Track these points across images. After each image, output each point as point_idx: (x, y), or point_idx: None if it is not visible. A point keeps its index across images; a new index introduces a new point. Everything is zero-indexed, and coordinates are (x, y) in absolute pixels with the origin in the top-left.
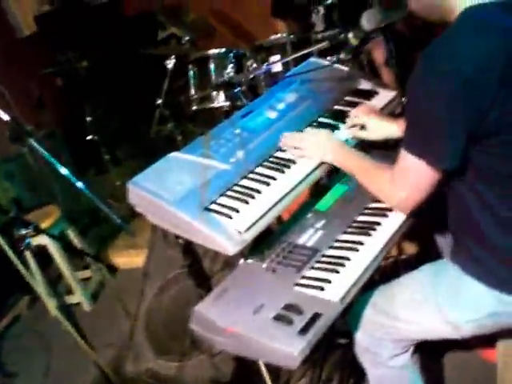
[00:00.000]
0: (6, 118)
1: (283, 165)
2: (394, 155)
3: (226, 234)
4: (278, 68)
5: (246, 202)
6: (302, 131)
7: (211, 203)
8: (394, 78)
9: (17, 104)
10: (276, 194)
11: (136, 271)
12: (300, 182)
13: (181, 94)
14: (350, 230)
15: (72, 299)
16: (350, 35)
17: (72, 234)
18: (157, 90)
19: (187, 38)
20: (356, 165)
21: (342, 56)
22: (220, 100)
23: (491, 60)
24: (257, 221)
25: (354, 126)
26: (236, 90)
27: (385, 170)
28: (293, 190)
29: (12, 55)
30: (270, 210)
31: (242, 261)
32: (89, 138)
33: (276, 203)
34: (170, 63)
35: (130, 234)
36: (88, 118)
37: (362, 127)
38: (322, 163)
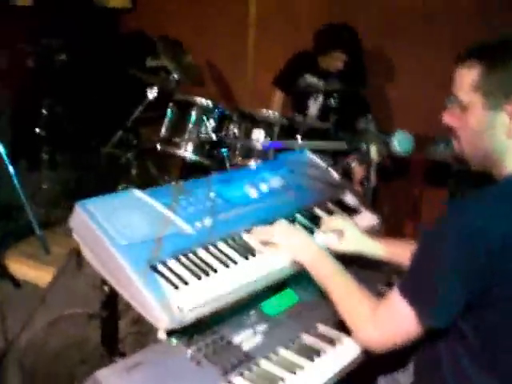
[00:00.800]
0: None
1: (249, 250)
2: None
3: (165, 305)
4: (257, 146)
5: (199, 277)
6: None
7: (160, 263)
8: (360, 199)
9: None
10: (233, 279)
11: (31, 287)
12: (263, 276)
13: (149, 128)
14: (292, 346)
15: None
16: (374, 149)
17: None
18: (126, 112)
19: (175, 77)
20: (332, 275)
21: (353, 164)
22: (188, 150)
23: None
24: (204, 303)
25: (328, 230)
26: (220, 150)
27: (367, 297)
28: (253, 281)
29: None
30: (222, 295)
31: (164, 336)
32: (37, 130)
33: (231, 290)
34: (152, 93)
35: (44, 247)
36: (43, 111)
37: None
38: (293, 262)
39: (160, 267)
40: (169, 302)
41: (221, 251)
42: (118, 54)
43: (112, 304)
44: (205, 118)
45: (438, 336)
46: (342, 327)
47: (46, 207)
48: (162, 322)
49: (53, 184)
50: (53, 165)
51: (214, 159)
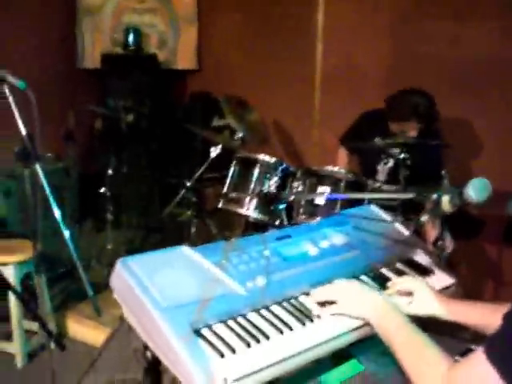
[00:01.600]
0: (23, 131)
1: (307, 315)
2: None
3: (207, 374)
4: (321, 201)
5: (248, 345)
6: None
7: (205, 326)
8: (433, 258)
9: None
10: (288, 348)
11: (85, 347)
12: (321, 344)
13: (212, 188)
14: None
15: (8, 347)
16: (446, 198)
17: (37, 279)
18: (190, 172)
19: (241, 135)
20: (400, 329)
21: (422, 218)
22: (250, 208)
23: None
24: (253, 373)
25: (395, 293)
26: (281, 206)
27: (441, 356)
28: (310, 350)
29: (65, 80)
30: (273, 365)
31: None
32: (102, 190)
33: (284, 360)
34: (215, 151)
35: (95, 308)
36: (109, 171)
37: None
38: (357, 328)
39: (205, 332)
40: (212, 372)
41: (275, 315)
42: (184, 115)
43: (156, 372)
44: (268, 175)
45: None
46: None
47: (110, 267)
48: None
49: (117, 244)
50: (117, 225)
51: (277, 217)
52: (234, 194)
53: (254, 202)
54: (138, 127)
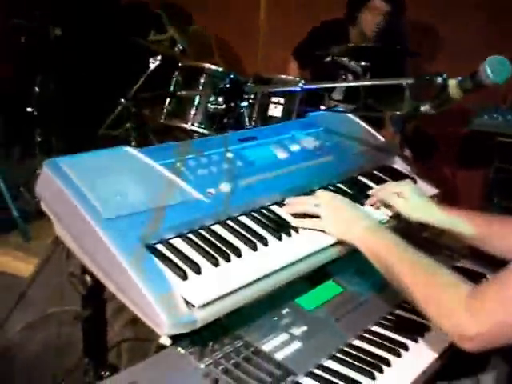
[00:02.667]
0: None
1: (282, 227)
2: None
3: (167, 300)
4: (277, 113)
5: (215, 263)
6: (313, 190)
7: (160, 241)
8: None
9: None
10: (263, 265)
11: (14, 280)
12: (301, 260)
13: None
14: (342, 356)
15: None
16: (453, 83)
17: None
18: (126, 87)
19: (181, 47)
20: (402, 254)
21: (424, 109)
22: (195, 122)
23: None
24: (223, 297)
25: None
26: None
27: (459, 277)
28: (288, 267)
29: None
30: (247, 286)
31: (168, 343)
32: (29, 109)
33: (259, 280)
34: (155, 63)
35: (24, 236)
36: (36, 89)
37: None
38: (339, 242)
39: (160, 247)
40: (173, 297)
41: (245, 227)
42: (117, 28)
43: (97, 300)
44: (216, 84)
45: None
46: (405, 329)
47: None
48: (163, 325)
49: None
50: (47, 148)
51: (225, 131)
52: (177, 109)
53: (199, 116)
54: (67, 42)
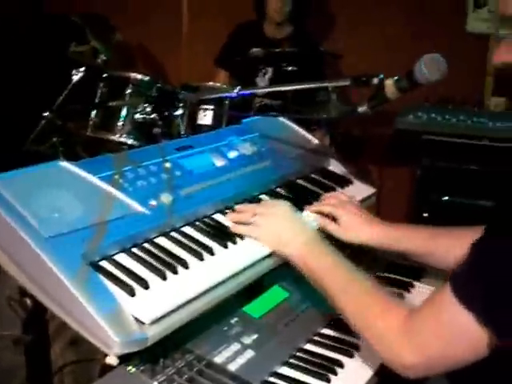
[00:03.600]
0: None
1: (226, 235)
2: None
3: (116, 319)
4: (206, 120)
5: (163, 277)
6: (254, 196)
7: (104, 258)
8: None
9: None
10: (212, 275)
11: None
12: (249, 267)
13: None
14: (295, 362)
15: None
16: (389, 82)
17: None
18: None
19: (105, 58)
20: (340, 275)
21: (360, 108)
22: (123, 134)
23: None
24: (174, 311)
25: (321, 213)
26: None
27: (395, 301)
28: (237, 275)
29: None
30: (197, 298)
31: (115, 363)
32: None
33: (209, 290)
34: (78, 74)
35: None
36: None
37: (333, 220)
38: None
39: (104, 264)
40: (122, 315)
41: (190, 238)
42: (37, 40)
43: (39, 324)
44: (142, 95)
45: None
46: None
47: None
48: (114, 345)
49: None
50: None
51: (155, 142)
52: (103, 120)
53: (127, 127)
54: None
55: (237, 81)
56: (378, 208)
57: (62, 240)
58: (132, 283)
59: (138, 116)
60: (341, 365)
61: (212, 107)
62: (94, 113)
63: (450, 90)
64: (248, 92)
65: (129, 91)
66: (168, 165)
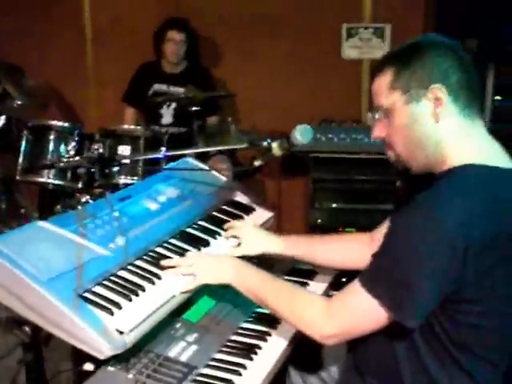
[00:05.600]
0: None
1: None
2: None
3: (104, 332)
4: (126, 160)
5: (129, 299)
6: (183, 230)
7: (86, 291)
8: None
9: None
10: (162, 293)
11: None
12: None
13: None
14: (226, 349)
15: None
16: (275, 145)
17: None
18: None
19: (20, 102)
20: (269, 287)
21: (256, 163)
22: (51, 175)
23: (496, 237)
24: (142, 321)
25: (232, 237)
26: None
27: (314, 294)
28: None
29: None
30: (156, 310)
31: (92, 368)
32: None
33: (163, 304)
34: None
35: None
36: None
37: (238, 244)
38: None
39: (89, 295)
40: (108, 329)
41: (141, 269)
42: None
43: (37, 345)
44: (64, 140)
45: (394, 332)
46: (266, 321)
47: None
48: (106, 350)
49: None
50: None
51: (79, 181)
52: (31, 165)
53: (53, 170)
54: None
55: (143, 114)
56: (279, 217)
57: (57, 281)
58: (110, 306)
59: (63, 160)
60: (259, 347)
61: (129, 148)
62: (21, 159)
63: (333, 109)
64: (172, 153)
65: (52, 137)
66: (116, 214)
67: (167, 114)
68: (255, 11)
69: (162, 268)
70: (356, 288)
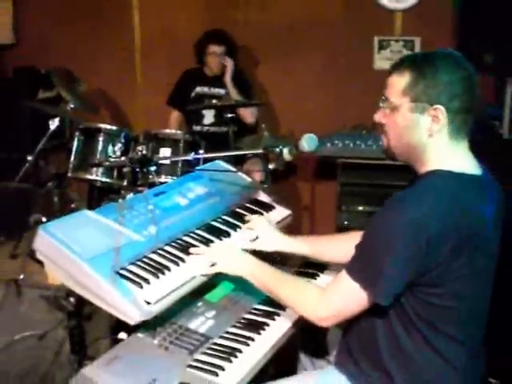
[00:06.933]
0: None
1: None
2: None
3: (134, 301)
4: (166, 161)
5: (157, 276)
6: (208, 223)
7: (122, 269)
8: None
9: None
10: (185, 274)
11: None
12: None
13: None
14: (239, 324)
15: None
16: (285, 151)
17: None
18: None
19: (73, 106)
20: (276, 279)
21: (272, 166)
22: (99, 174)
23: (455, 231)
24: (166, 295)
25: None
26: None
27: (312, 284)
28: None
29: None
30: (178, 288)
31: (125, 337)
32: None
33: (185, 283)
34: (54, 124)
35: None
36: None
37: (255, 239)
38: None
39: (123, 272)
40: (138, 299)
41: (169, 253)
42: (8, 90)
43: (80, 314)
44: (112, 142)
45: (375, 315)
46: (276, 304)
47: None
48: (136, 316)
49: None
50: None
51: (124, 179)
52: (81, 163)
53: (101, 168)
54: None
55: (186, 115)
56: (312, 218)
57: (98, 259)
58: (140, 281)
59: (110, 159)
60: (267, 324)
61: (169, 150)
62: (72, 157)
63: (364, 117)
64: (200, 156)
65: (101, 139)
66: (151, 207)
67: (209, 115)
68: (292, 23)
69: (188, 253)
70: (343, 275)
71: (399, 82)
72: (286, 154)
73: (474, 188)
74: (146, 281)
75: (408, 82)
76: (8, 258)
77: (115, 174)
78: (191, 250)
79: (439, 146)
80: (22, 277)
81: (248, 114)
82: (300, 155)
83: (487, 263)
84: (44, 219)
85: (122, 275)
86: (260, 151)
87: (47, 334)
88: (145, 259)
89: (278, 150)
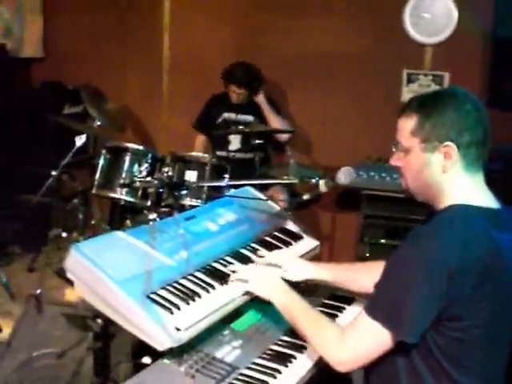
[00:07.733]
0: None
1: (222, 277)
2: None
3: (164, 327)
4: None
5: (187, 303)
6: (238, 251)
7: (152, 293)
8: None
9: None
10: (214, 301)
11: None
12: (236, 298)
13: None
14: (266, 356)
15: None
16: (321, 182)
17: None
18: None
19: (99, 123)
20: (301, 311)
21: (304, 197)
22: (123, 193)
23: (475, 263)
24: (196, 322)
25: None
26: (183, 192)
27: (334, 324)
28: (230, 302)
29: None
30: (208, 315)
31: (149, 362)
32: None
33: (214, 311)
34: (80, 140)
35: (9, 293)
36: None
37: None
38: None
39: (154, 297)
40: (168, 325)
41: (200, 279)
42: (34, 104)
43: (106, 336)
44: (138, 162)
45: (396, 351)
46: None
47: None
48: (165, 342)
49: None
50: None
51: (148, 200)
52: (106, 181)
53: (126, 187)
54: None
55: (212, 140)
56: (331, 247)
57: (129, 282)
58: (171, 307)
59: (135, 179)
60: (294, 357)
61: (195, 173)
62: (98, 175)
63: (389, 150)
64: (234, 183)
65: (127, 158)
66: (181, 231)
67: (235, 141)
68: (321, 53)
69: (219, 280)
70: (362, 315)
71: (408, 125)
72: (322, 185)
73: (490, 219)
74: (177, 307)
75: (416, 124)
76: (24, 270)
77: (139, 193)
78: (230, 267)
79: (455, 181)
80: (39, 291)
81: (283, 135)
82: (336, 186)
83: (509, 293)
84: (64, 234)
85: (152, 300)
86: (296, 181)
87: (66, 352)
88: (176, 284)
89: (314, 181)
